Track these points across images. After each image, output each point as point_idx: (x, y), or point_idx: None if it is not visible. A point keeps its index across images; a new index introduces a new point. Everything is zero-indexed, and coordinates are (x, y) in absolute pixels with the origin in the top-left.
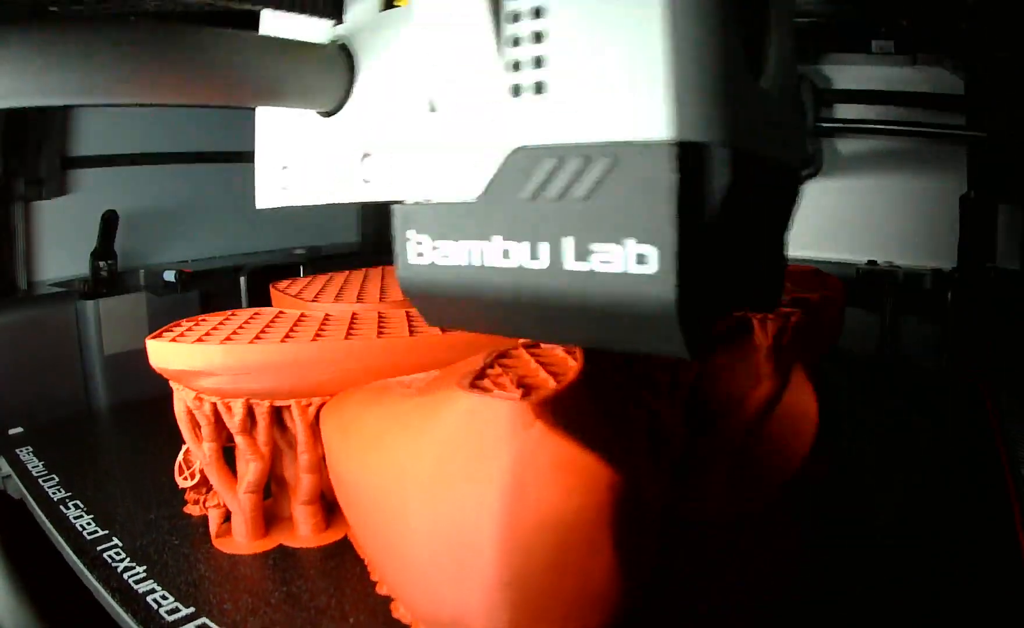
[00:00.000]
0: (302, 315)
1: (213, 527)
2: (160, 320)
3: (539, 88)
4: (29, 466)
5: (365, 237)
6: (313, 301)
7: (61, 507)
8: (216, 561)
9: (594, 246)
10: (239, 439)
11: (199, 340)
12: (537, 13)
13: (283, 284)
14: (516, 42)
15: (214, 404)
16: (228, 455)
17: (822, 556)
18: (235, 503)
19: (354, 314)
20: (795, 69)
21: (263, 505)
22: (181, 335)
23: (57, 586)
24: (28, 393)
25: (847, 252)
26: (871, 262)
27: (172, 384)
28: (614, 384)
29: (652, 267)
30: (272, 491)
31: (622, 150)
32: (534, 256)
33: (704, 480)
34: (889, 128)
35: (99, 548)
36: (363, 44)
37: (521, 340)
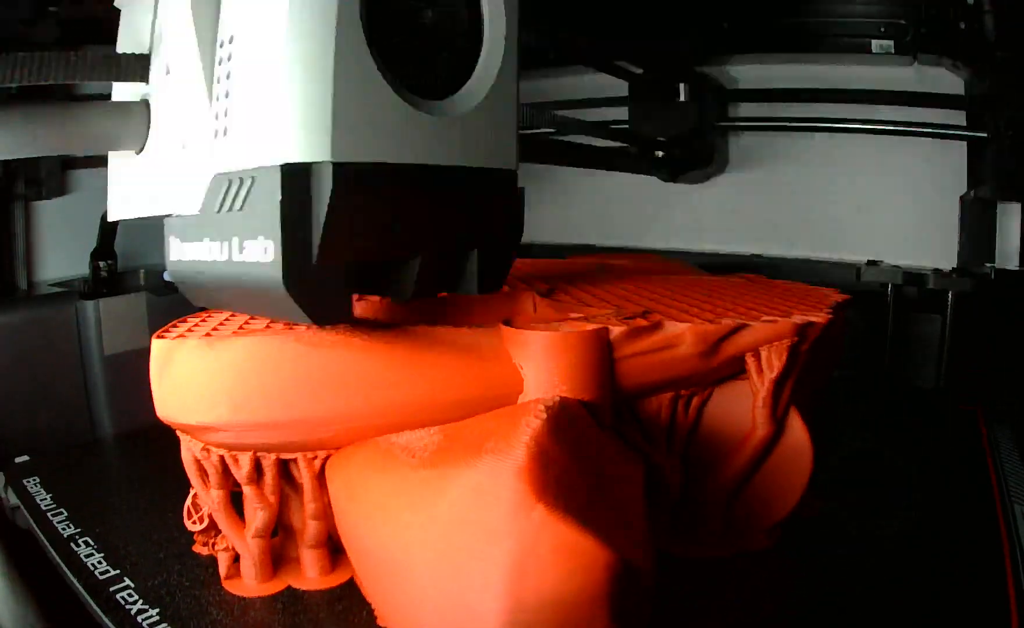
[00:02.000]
0: None
1: (223, 569)
2: (160, 320)
3: (225, 132)
4: (37, 499)
5: None
6: None
7: (71, 545)
8: (227, 605)
9: (245, 243)
10: (246, 489)
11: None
12: (227, 95)
13: None
14: (217, 98)
15: (221, 456)
16: (236, 498)
17: (813, 593)
18: (243, 547)
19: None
20: (515, 85)
21: (271, 546)
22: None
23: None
24: (28, 393)
25: (847, 252)
26: (871, 262)
27: (179, 434)
28: (611, 443)
29: (270, 256)
30: (279, 533)
31: (257, 173)
32: (221, 252)
33: (700, 522)
34: (889, 128)
35: (111, 588)
36: (154, 100)
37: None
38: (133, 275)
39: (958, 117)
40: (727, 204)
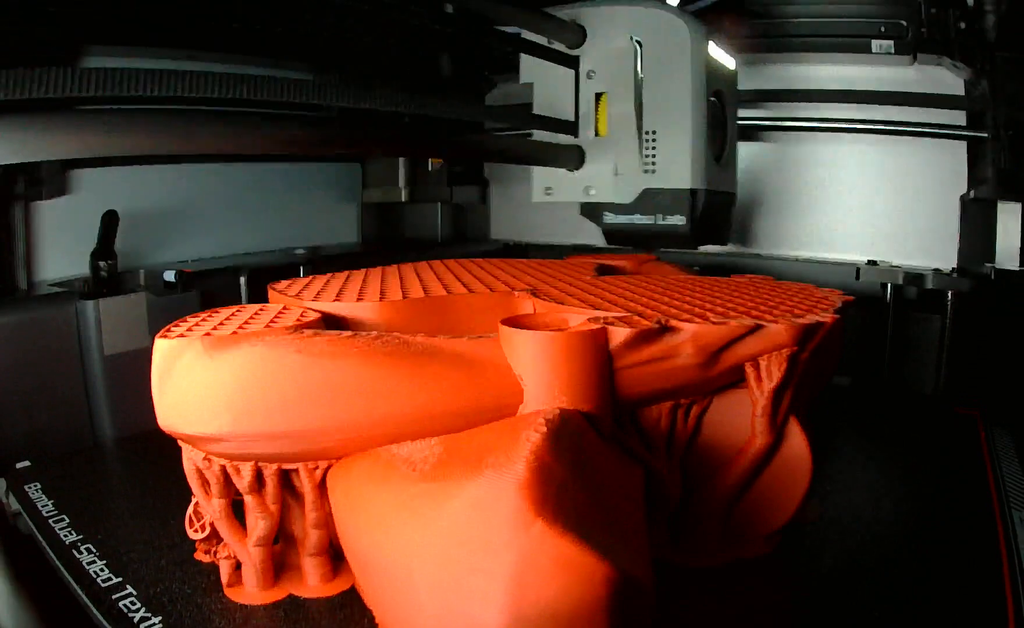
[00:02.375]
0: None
1: (225, 576)
2: (160, 320)
3: (653, 170)
4: (39, 505)
5: (365, 237)
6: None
7: (73, 551)
8: (229, 613)
9: (667, 217)
10: (248, 498)
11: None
12: (653, 156)
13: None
14: (645, 156)
15: (223, 465)
16: (237, 506)
17: (812, 600)
18: (245, 555)
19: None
20: (735, 147)
21: (273, 553)
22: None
23: None
24: (28, 393)
25: (847, 252)
26: (871, 262)
27: (181, 444)
28: (611, 453)
29: (683, 222)
30: (280, 540)
31: (675, 191)
32: (650, 220)
33: (699, 530)
34: (889, 128)
35: (114, 596)
36: (587, 148)
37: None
38: (133, 275)
39: (958, 117)
40: None
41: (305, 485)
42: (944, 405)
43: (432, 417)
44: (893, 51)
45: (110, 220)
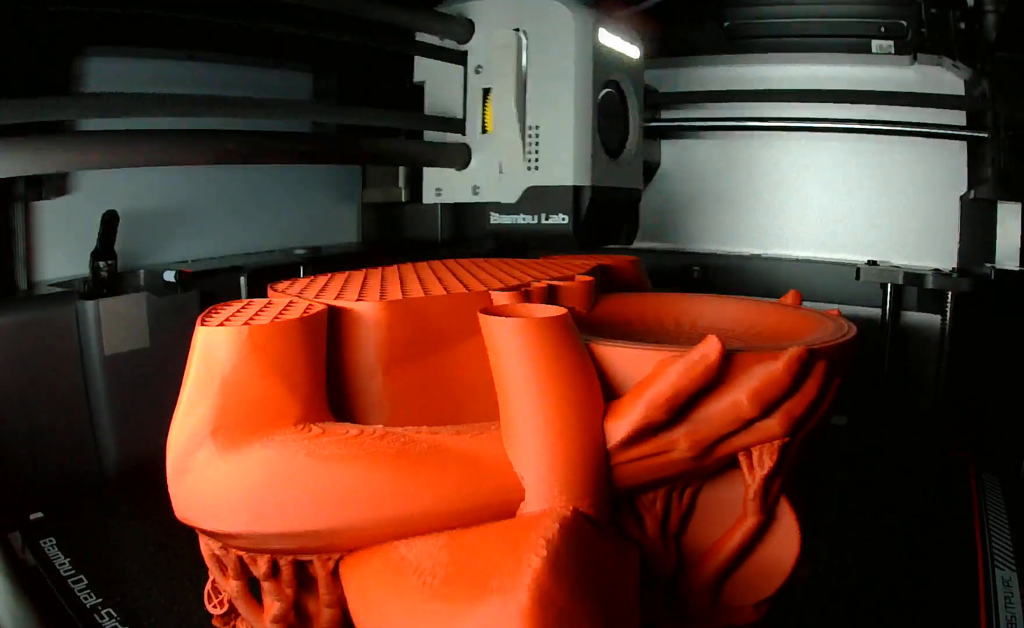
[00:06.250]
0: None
1: None
2: (160, 320)
3: (537, 167)
4: (56, 564)
5: (365, 238)
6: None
7: (95, 616)
8: None
9: (550, 217)
10: (264, 584)
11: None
12: (536, 152)
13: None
14: (528, 152)
15: (239, 555)
16: (253, 582)
17: None
18: None
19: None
20: (642, 146)
21: (289, 623)
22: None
23: None
24: (28, 393)
25: (847, 252)
26: (871, 262)
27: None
28: (608, 545)
29: (566, 221)
30: (295, 614)
31: (557, 188)
32: (533, 219)
33: (691, 600)
34: (890, 128)
35: None
36: (474, 145)
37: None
38: (133, 275)
39: (958, 117)
40: (727, 204)
41: (319, 573)
42: (940, 435)
43: (438, 516)
44: (893, 51)
45: (110, 220)
